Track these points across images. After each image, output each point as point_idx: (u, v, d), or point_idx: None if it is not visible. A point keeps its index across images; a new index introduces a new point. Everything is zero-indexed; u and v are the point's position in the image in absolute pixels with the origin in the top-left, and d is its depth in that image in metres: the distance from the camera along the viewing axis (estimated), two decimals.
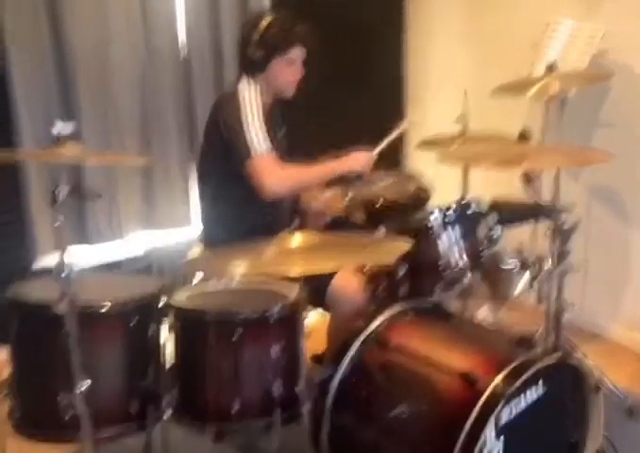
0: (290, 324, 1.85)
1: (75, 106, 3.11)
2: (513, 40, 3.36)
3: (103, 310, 1.86)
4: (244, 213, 2.40)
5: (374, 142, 2.60)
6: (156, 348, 1.99)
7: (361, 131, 3.93)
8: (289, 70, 2.46)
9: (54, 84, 3.08)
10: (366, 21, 3.94)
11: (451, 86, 3.23)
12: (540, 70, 2.67)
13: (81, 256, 3.18)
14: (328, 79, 3.81)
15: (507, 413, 1.73)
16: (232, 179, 2.35)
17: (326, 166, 2.45)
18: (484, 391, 1.68)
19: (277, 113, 2.59)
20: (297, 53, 2.45)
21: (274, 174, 2.30)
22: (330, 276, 2.23)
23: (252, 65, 2.43)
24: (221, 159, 2.39)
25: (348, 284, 2.24)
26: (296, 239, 1.76)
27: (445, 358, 1.83)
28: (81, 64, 3.08)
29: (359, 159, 2.46)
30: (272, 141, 2.33)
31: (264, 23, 2.39)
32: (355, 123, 4.00)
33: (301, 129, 3.32)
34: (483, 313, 3.00)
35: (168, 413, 1.93)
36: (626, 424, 2.53)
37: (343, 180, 2.52)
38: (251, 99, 2.35)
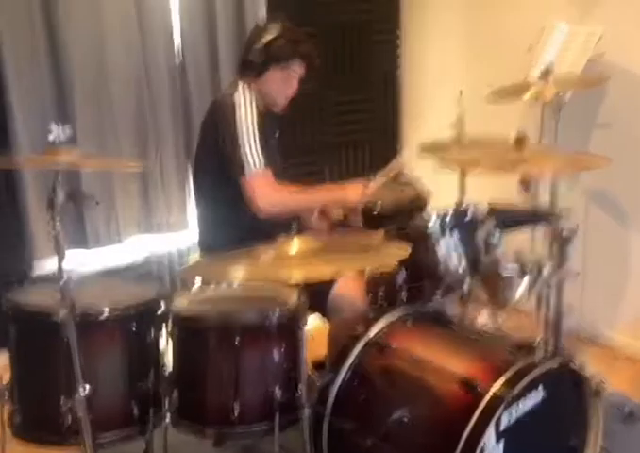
0: (290, 329, 1.85)
1: (70, 110, 3.10)
2: (509, 42, 3.35)
3: (102, 317, 1.86)
4: (240, 217, 2.38)
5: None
6: (156, 353, 1.99)
7: (355, 132, 4.00)
8: (284, 82, 2.45)
9: (49, 88, 3.07)
10: (361, 22, 3.94)
11: (447, 88, 3.23)
12: (535, 73, 2.67)
13: (80, 261, 3.18)
14: (322, 79, 3.83)
15: (507, 418, 1.73)
16: (228, 183, 2.34)
17: (320, 192, 2.45)
18: (484, 396, 1.68)
19: (272, 116, 2.57)
20: (296, 68, 2.44)
21: (266, 195, 2.29)
22: (331, 281, 2.22)
23: (250, 68, 2.43)
24: (217, 162, 2.37)
25: (349, 290, 2.24)
26: (295, 243, 1.76)
27: (444, 363, 1.83)
28: (77, 68, 3.08)
29: (356, 191, 2.41)
30: (266, 148, 2.32)
31: (273, 30, 2.39)
32: (350, 124, 4.03)
33: (295, 129, 3.33)
34: (483, 319, 3.00)
35: (168, 418, 1.94)
36: (625, 429, 2.52)
37: None
38: (248, 109, 2.33)
